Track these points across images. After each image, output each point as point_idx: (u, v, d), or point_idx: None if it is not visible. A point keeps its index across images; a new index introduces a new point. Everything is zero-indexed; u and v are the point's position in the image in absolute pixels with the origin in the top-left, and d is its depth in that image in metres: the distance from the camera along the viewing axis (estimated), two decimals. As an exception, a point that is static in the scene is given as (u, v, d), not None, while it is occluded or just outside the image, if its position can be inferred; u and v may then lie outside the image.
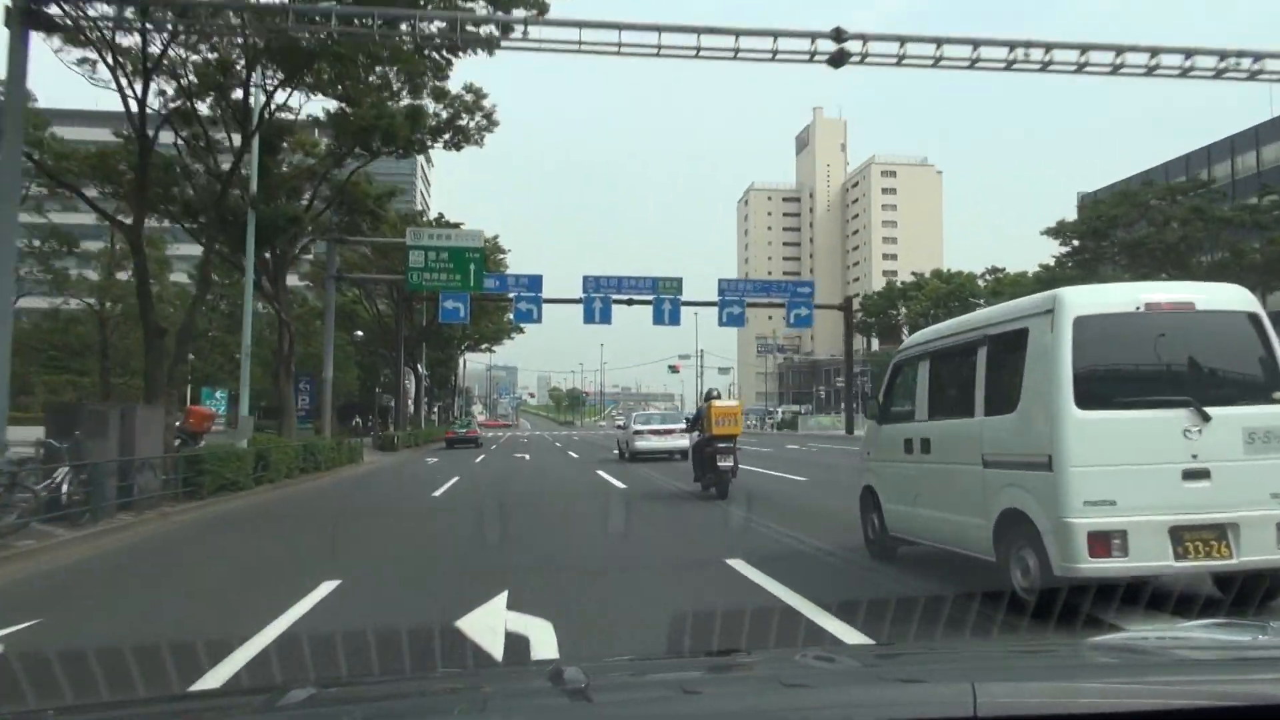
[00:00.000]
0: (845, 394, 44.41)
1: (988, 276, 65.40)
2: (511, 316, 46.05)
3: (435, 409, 71.24)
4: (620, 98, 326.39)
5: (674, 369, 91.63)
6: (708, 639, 5.07)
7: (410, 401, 53.82)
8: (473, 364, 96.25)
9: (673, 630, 5.18)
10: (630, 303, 40.99)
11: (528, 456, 30.92)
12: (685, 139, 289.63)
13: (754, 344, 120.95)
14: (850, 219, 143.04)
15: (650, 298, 40.86)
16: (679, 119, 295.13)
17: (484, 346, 72.86)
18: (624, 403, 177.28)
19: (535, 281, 40.19)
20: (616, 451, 29.10)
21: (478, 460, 29.03)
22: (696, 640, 5.08)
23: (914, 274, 67.17)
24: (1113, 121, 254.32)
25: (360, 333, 40.54)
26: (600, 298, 40.41)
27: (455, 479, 19.38)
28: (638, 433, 26.07)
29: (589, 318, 40.46)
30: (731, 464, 13.47)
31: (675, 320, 41.19)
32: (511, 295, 40.51)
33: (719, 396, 14.58)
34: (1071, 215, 48.59)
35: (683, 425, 26.70)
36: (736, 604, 6.05)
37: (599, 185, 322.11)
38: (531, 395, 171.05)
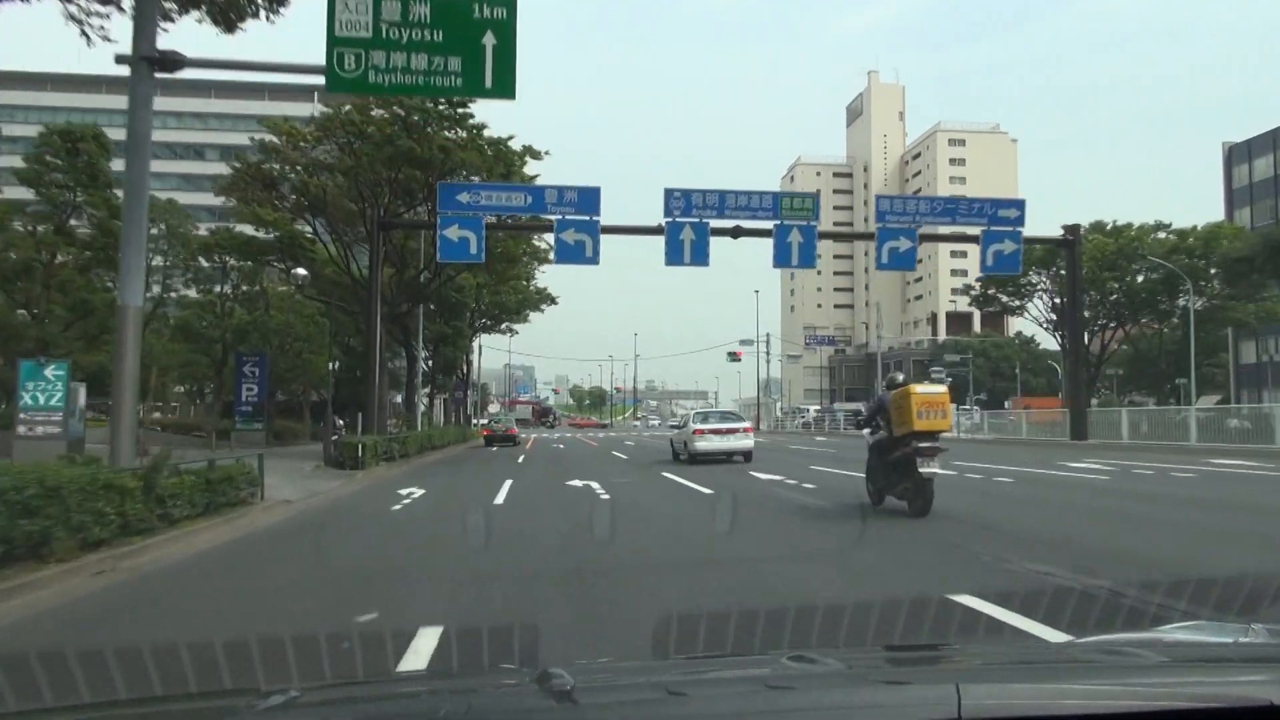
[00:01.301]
0: (1071, 376, 29.26)
1: (1158, 233, 51.87)
2: (552, 258, 30.88)
3: (439, 402, 55.65)
4: (637, 82, 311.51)
5: (734, 356, 76.58)
6: None
7: (402, 394, 39.33)
8: (486, 361, 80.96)
9: None
10: (737, 233, 26.05)
11: (596, 486, 16.10)
12: (713, 114, 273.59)
13: (801, 334, 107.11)
14: (911, 194, 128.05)
15: (769, 224, 25.97)
16: (709, 92, 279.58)
17: (504, 327, 57.61)
18: (647, 401, 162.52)
19: (589, 198, 25.17)
20: (672, 453, 25.17)
21: (498, 500, 14.30)
22: None
23: (1063, 227, 52.13)
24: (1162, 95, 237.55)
25: (304, 270, 25.64)
26: (692, 224, 25.37)
27: (431, 637, 4.66)
28: (697, 432, 22.91)
29: (674, 256, 25.46)
30: (936, 470, 10.36)
31: (808, 260, 26.22)
32: (553, 218, 25.66)
33: (904, 382, 11.15)
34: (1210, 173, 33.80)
35: (745, 424, 24.31)
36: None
37: (611, 180, 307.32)
38: (556, 391, 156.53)
